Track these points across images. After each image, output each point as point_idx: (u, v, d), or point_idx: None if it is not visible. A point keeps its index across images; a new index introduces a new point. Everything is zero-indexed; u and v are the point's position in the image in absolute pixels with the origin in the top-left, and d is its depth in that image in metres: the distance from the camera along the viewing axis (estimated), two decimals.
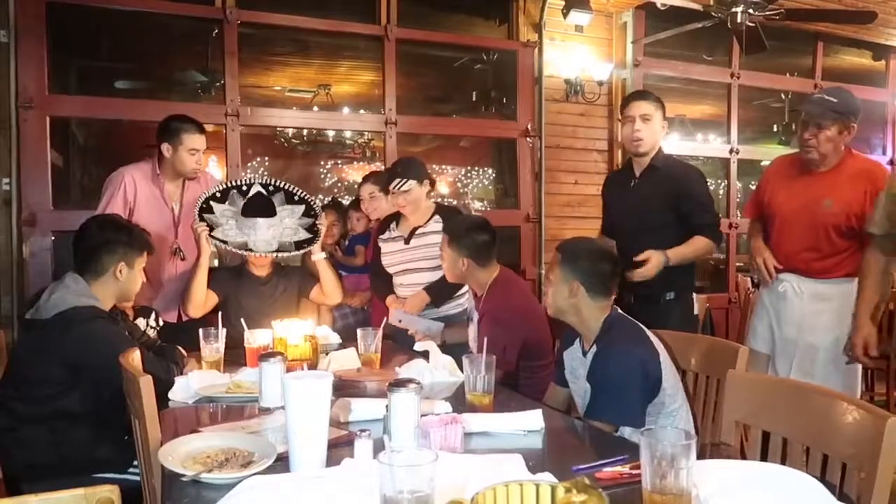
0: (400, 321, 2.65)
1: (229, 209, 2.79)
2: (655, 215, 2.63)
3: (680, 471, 0.98)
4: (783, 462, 1.35)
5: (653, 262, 2.48)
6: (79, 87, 4.63)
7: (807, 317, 2.55)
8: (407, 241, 2.86)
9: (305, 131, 6.30)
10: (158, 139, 2.86)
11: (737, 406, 1.50)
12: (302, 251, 2.84)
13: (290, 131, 6.31)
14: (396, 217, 2.95)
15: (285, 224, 2.82)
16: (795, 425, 1.36)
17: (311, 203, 2.88)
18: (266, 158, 6.87)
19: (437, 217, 2.85)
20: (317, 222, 2.84)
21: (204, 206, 2.76)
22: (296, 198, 2.85)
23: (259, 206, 2.81)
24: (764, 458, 1.39)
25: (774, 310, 2.64)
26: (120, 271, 2.09)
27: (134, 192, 2.85)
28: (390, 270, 2.91)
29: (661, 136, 2.70)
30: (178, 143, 2.82)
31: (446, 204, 3.20)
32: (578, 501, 0.66)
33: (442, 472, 0.98)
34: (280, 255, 2.78)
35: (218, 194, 2.79)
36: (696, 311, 2.71)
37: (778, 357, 2.61)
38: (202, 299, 2.71)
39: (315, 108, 5.71)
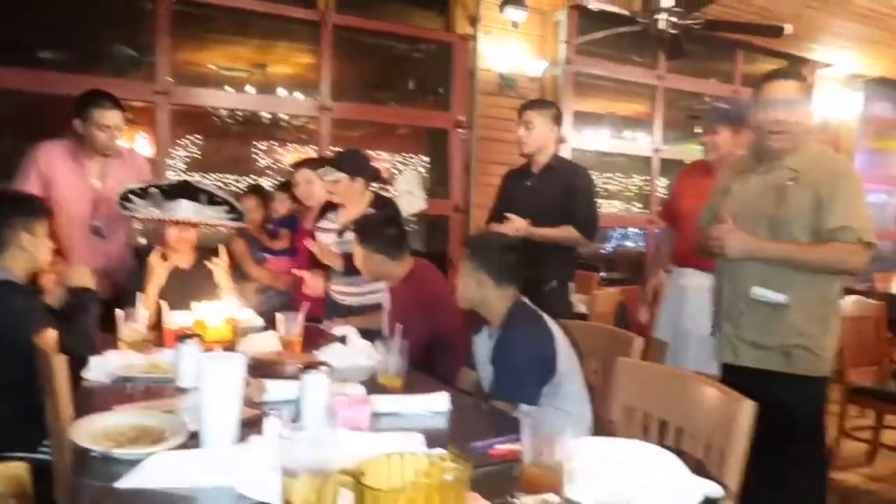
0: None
1: (149, 203, 2.76)
2: (546, 211, 2.84)
3: (556, 447, 1.09)
4: (661, 441, 1.49)
5: (516, 223, 2.73)
6: None
7: (704, 310, 2.75)
8: (340, 235, 2.91)
9: (239, 112, 6.20)
10: (73, 114, 2.81)
11: (624, 390, 1.64)
12: (228, 223, 2.85)
13: (223, 111, 6.19)
14: (336, 205, 2.99)
15: (208, 213, 2.82)
16: (671, 408, 1.51)
17: (235, 204, 2.89)
18: (197, 137, 6.72)
19: (372, 210, 2.90)
20: (242, 213, 2.88)
21: (124, 197, 2.74)
22: (217, 199, 2.85)
23: (182, 190, 2.80)
24: (645, 437, 1.53)
25: (676, 303, 2.85)
26: (24, 240, 2.07)
27: (50, 169, 2.79)
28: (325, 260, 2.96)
29: (549, 139, 2.97)
30: (88, 119, 2.77)
31: (385, 197, 3.24)
32: (443, 467, 0.75)
33: (346, 449, 1.07)
34: (206, 226, 2.76)
35: (139, 191, 2.76)
36: (570, 298, 2.97)
37: (677, 347, 2.82)
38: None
39: (250, 89, 5.64)
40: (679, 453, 1.25)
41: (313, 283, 2.90)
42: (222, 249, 2.84)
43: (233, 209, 2.86)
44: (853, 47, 5.80)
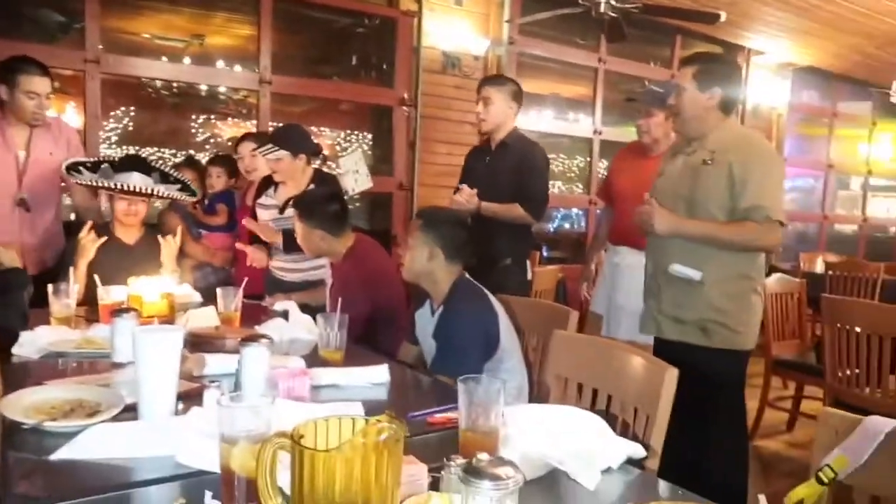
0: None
1: (99, 177, 2.68)
2: (501, 187, 2.86)
3: (490, 412, 1.14)
4: (592, 408, 1.56)
5: (466, 194, 2.78)
6: None
7: (636, 286, 2.86)
8: (281, 211, 2.88)
9: (175, 83, 6.00)
10: None
11: (559, 361, 1.70)
12: (181, 196, 2.81)
13: (159, 82, 5.98)
14: (276, 182, 2.95)
15: (159, 189, 2.76)
16: (602, 378, 1.58)
17: (188, 183, 2.86)
18: (131, 109, 6.48)
19: (313, 186, 2.87)
20: (195, 191, 2.87)
21: (72, 167, 2.65)
22: (170, 179, 2.80)
23: (133, 163, 2.73)
24: (577, 404, 1.59)
25: (611, 279, 2.96)
26: None
27: None
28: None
29: (508, 116, 2.94)
30: (14, 85, 2.67)
31: (326, 171, 3.22)
32: (378, 427, 0.77)
33: (287, 419, 1.08)
34: (158, 196, 2.72)
35: (89, 164, 2.68)
36: (528, 277, 3.01)
37: (611, 321, 2.93)
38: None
39: (187, 60, 5.46)
40: (606, 417, 1.31)
41: (258, 256, 2.87)
42: (179, 229, 2.78)
43: (185, 188, 2.82)
44: (784, 36, 6.04)
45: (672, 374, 1.38)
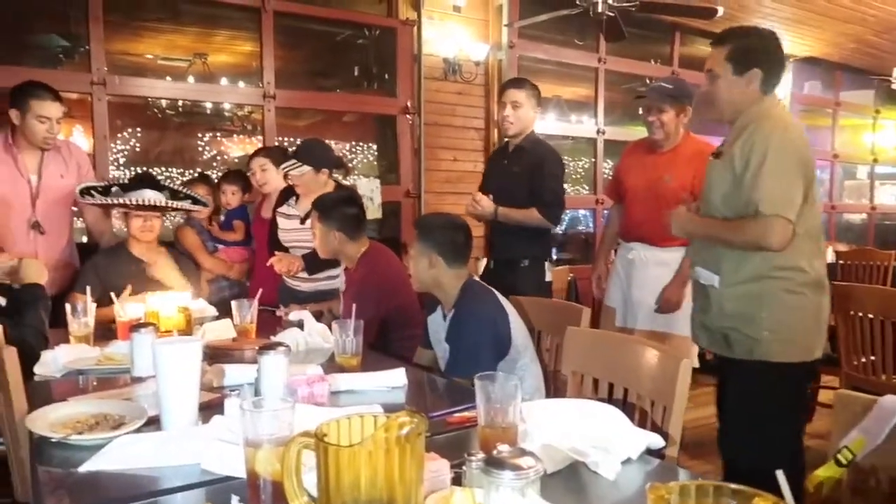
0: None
1: (112, 199, 2.75)
2: (516, 191, 2.92)
3: (508, 409, 1.15)
4: (608, 401, 1.57)
5: (483, 202, 2.85)
6: None
7: (650, 281, 2.87)
8: (302, 222, 2.92)
9: (181, 102, 6.07)
10: (8, 106, 2.73)
11: (574, 357, 1.71)
12: (193, 207, 2.87)
13: (164, 102, 6.05)
14: (296, 193, 2.99)
15: (171, 203, 2.81)
16: (617, 371, 1.59)
17: (199, 198, 2.91)
18: (138, 129, 6.55)
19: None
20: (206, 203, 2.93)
21: (84, 191, 2.71)
22: (180, 195, 2.86)
23: (143, 181, 2.78)
24: (593, 397, 1.61)
25: (625, 274, 2.96)
26: None
27: None
28: (286, 245, 2.97)
29: (532, 120, 3.00)
30: (26, 110, 2.71)
31: (345, 185, 3.26)
32: (400, 421, 0.79)
33: (308, 423, 1.10)
34: (171, 209, 2.79)
35: (100, 189, 2.74)
36: (548, 278, 3.02)
37: (627, 317, 2.93)
38: None
39: (191, 79, 5.52)
40: (623, 408, 1.32)
41: (286, 262, 2.87)
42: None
43: (196, 203, 2.87)
44: (783, 28, 6.03)
45: (686, 365, 1.39)
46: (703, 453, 3.26)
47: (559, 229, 7.42)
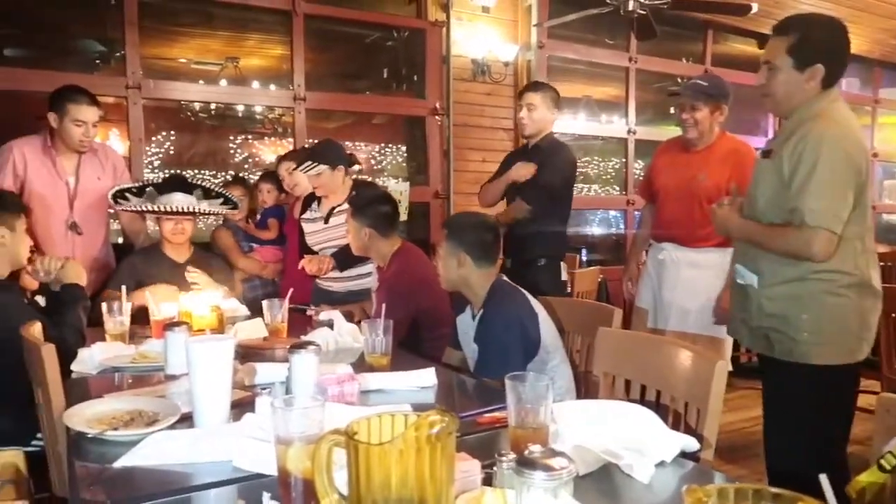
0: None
1: (145, 200, 2.80)
2: (526, 187, 3.04)
3: (539, 409, 1.14)
4: (641, 402, 1.54)
5: (527, 167, 3.04)
6: None
7: (682, 282, 2.82)
8: (326, 221, 2.95)
9: (213, 105, 6.17)
10: (48, 109, 2.80)
11: (605, 358, 1.69)
12: (223, 210, 2.92)
13: (197, 105, 6.15)
14: (319, 196, 3.03)
15: (202, 206, 2.86)
16: (650, 373, 1.56)
17: (230, 196, 2.95)
18: (171, 133, 6.67)
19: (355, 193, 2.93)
20: (237, 203, 2.96)
21: (118, 195, 2.76)
22: (213, 194, 2.90)
23: (176, 183, 2.83)
24: (625, 399, 1.58)
25: (656, 275, 2.92)
26: (2, 236, 2.07)
27: (24, 166, 2.79)
28: (314, 248, 3.00)
29: (548, 121, 3.11)
30: (63, 113, 2.77)
31: (365, 180, 3.31)
32: (431, 420, 0.78)
33: (338, 421, 1.10)
34: (201, 214, 2.83)
35: (135, 190, 2.80)
36: (563, 277, 3.12)
37: (658, 318, 2.89)
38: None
39: (222, 82, 5.60)
40: (656, 410, 1.30)
41: (316, 263, 2.89)
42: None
43: (227, 201, 2.91)
44: None
45: (722, 367, 1.36)
46: (737, 458, 3.20)
47: (588, 230, 7.38)
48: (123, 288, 2.30)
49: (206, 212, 2.87)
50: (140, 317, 2.38)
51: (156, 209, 2.74)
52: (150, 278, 2.73)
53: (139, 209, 2.79)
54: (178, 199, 2.76)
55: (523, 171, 3.05)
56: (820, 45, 1.86)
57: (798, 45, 1.85)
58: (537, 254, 3.05)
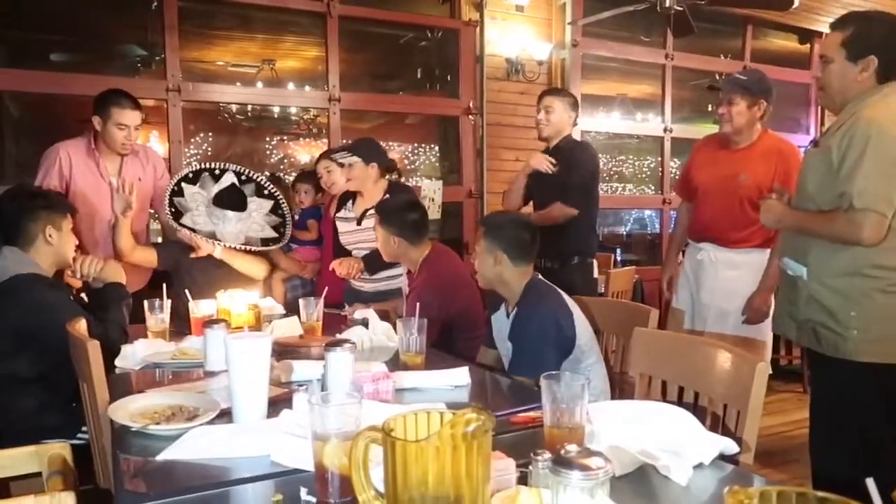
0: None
1: (200, 192, 2.86)
2: (548, 190, 3.09)
3: (574, 408, 1.13)
4: (678, 403, 1.52)
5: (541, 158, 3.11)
6: (12, 60, 4.52)
7: (720, 283, 2.77)
8: (358, 223, 2.97)
9: (249, 107, 6.27)
10: (92, 113, 2.88)
11: (641, 359, 1.67)
12: (267, 248, 2.93)
13: (234, 107, 6.26)
14: (353, 195, 3.05)
15: (253, 218, 2.91)
16: (687, 374, 1.54)
17: (280, 201, 2.99)
18: (209, 134, 6.79)
19: (388, 196, 2.95)
20: (285, 221, 2.98)
21: (175, 188, 2.82)
22: (265, 192, 2.94)
23: (230, 200, 2.89)
24: (663, 400, 1.56)
25: (693, 276, 2.86)
26: (50, 235, 2.13)
27: (69, 168, 2.87)
28: (347, 248, 3.04)
29: (566, 123, 3.20)
30: (107, 117, 2.85)
31: (399, 182, 3.33)
32: (467, 418, 0.79)
33: (373, 419, 1.11)
34: (248, 251, 2.87)
35: (190, 175, 2.85)
36: (595, 275, 3.18)
37: (695, 319, 2.84)
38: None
39: (259, 84, 5.69)
40: (694, 412, 1.27)
41: (346, 265, 2.92)
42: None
43: (278, 207, 2.97)
44: None
45: (763, 368, 1.33)
46: (775, 462, 3.14)
47: (623, 230, 7.31)
48: (164, 286, 2.35)
49: (255, 250, 2.87)
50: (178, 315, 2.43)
51: (204, 236, 2.79)
52: (186, 266, 2.83)
53: (193, 235, 2.79)
54: (230, 219, 2.81)
55: (540, 157, 3.15)
56: (874, 38, 1.86)
57: (852, 38, 1.86)
58: (570, 252, 3.07)
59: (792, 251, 1.97)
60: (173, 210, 2.82)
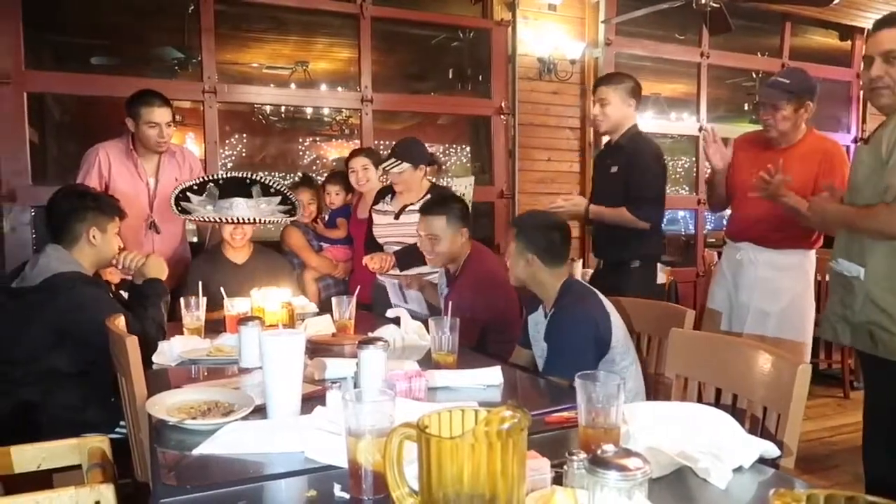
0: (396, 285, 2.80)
1: (206, 199, 2.89)
2: (612, 189, 2.84)
3: (610, 409, 1.11)
4: (716, 405, 1.49)
5: (574, 198, 2.88)
6: (55, 63, 4.65)
7: (760, 283, 2.70)
8: (397, 217, 2.98)
9: (283, 108, 6.35)
10: (126, 115, 2.94)
11: (678, 360, 1.64)
12: (282, 218, 2.95)
13: (268, 108, 6.35)
14: (392, 190, 3.06)
15: (262, 208, 2.93)
16: (726, 376, 1.50)
17: (288, 195, 3.00)
18: (244, 135, 6.90)
19: (429, 196, 2.94)
20: (294, 208, 3.00)
21: (180, 195, 2.86)
22: (272, 190, 2.96)
23: (236, 188, 2.91)
24: (700, 402, 1.53)
25: (731, 276, 2.79)
26: (93, 236, 2.17)
27: (108, 168, 2.94)
28: (380, 241, 3.04)
29: (626, 114, 2.88)
30: (138, 117, 2.91)
31: (442, 185, 3.32)
32: (502, 416, 0.78)
33: (406, 417, 1.11)
34: (261, 223, 2.87)
35: (195, 187, 2.89)
36: (660, 280, 2.90)
37: (733, 321, 2.77)
38: None
39: (292, 86, 5.76)
40: (732, 414, 1.24)
41: (378, 260, 2.92)
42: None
43: (285, 199, 2.97)
44: None
45: (805, 370, 1.29)
46: (815, 468, 3.06)
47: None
48: (200, 284, 2.38)
49: (263, 222, 2.92)
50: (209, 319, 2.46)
51: (218, 220, 2.83)
52: (213, 282, 2.79)
53: (204, 220, 2.87)
54: (238, 206, 2.84)
55: (577, 205, 2.87)
56: None
57: None
58: (630, 255, 2.82)
59: (846, 252, 1.94)
60: (179, 209, 2.87)
